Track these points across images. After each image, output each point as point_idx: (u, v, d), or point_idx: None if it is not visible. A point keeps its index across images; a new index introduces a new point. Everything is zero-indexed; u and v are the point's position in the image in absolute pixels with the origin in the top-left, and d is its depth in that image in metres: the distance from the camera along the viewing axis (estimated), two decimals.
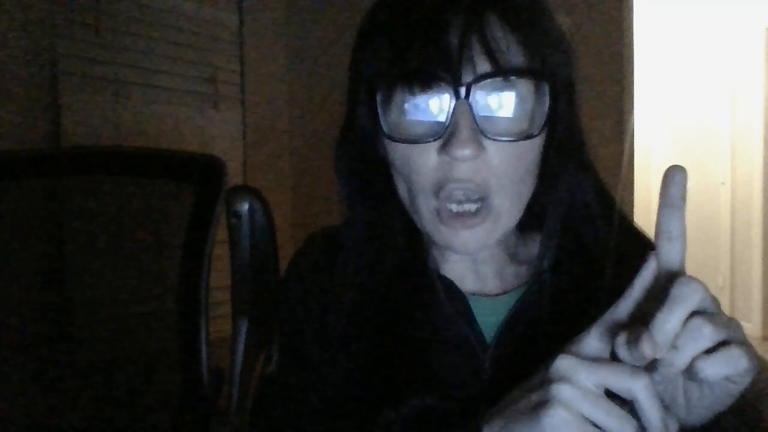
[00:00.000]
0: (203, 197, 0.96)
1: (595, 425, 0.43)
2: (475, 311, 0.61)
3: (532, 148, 0.56)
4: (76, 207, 1.08)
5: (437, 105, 0.53)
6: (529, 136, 0.54)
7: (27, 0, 1.79)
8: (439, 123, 0.53)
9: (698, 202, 4.52)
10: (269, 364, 0.66)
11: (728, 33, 4.31)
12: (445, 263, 0.64)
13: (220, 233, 0.94)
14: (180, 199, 0.98)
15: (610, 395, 0.44)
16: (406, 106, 0.54)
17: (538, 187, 0.59)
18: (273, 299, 0.86)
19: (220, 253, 0.94)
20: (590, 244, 0.60)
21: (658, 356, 0.42)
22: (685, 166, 0.46)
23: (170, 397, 0.97)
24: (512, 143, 0.54)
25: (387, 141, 0.56)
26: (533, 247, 0.64)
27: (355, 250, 0.63)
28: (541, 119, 0.54)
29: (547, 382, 0.45)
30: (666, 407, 0.45)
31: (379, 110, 0.55)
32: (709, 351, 0.42)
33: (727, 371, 0.42)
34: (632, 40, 2.45)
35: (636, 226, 0.64)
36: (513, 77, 0.53)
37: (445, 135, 0.53)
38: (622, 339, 0.43)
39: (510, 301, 0.61)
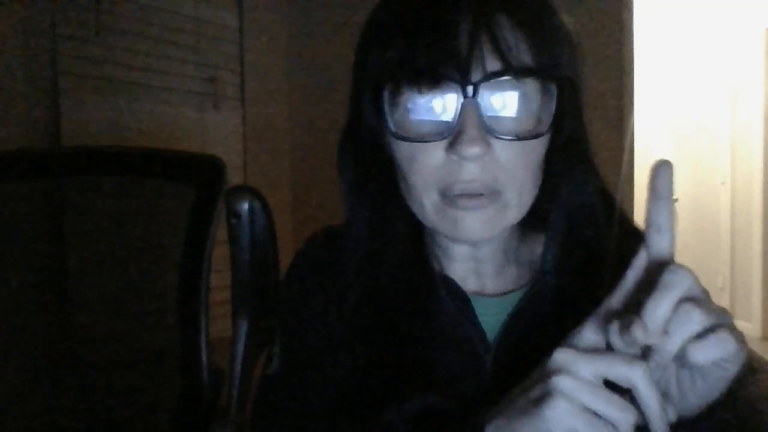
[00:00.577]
0: (203, 197, 0.96)
1: (596, 415, 0.44)
2: (477, 311, 0.61)
3: (539, 147, 0.56)
4: (76, 207, 1.08)
5: (445, 104, 0.53)
6: (536, 135, 0.54)
7: (27, 0, 1.79)
8: (446, 122, 0.53)
9: (698, 202, 4.52)
10: (270, 364, 0.66)
11: (728, 33, 4.31)
12: (448, 263, 0.63)
13: (220, 233, 0.94)
14: (180, 199, 0.97)
15: (609, 385, 0.44)
16: (412, 104, 0.54)
17: (542, 187, 0.59)
18: (274, 299, 0.86)
19: (220, 253, 0.94)
20: (592, 244, 0.60)
21: (649, 342, 0.43)
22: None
23: (170, 397, 0.97)
24: (519, 142, 0.54)
25: (393, 140, 0.56)
26: (534, 247, 0.64)
27: (357, 250, 0.63)
28: (548, 118, 0.54)
29: (546, 375, 0.45)
30: (662, 396, 0.45)
31: (386, 109, 0.54)
32: (700, 337, 0.43)
33: (717, 354, 0.42)
34: (632, 40, 2.46)
35: (637, 226, 0.64)
36: (521, 76, 0.53)
37: (452, 134, 0.53)
38: (614, 327, 0.44)
39: (512, 301, 0.61)
